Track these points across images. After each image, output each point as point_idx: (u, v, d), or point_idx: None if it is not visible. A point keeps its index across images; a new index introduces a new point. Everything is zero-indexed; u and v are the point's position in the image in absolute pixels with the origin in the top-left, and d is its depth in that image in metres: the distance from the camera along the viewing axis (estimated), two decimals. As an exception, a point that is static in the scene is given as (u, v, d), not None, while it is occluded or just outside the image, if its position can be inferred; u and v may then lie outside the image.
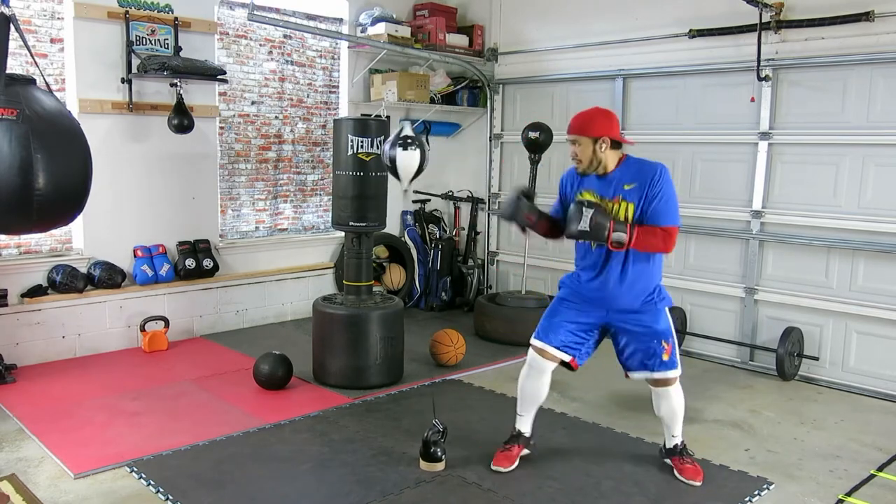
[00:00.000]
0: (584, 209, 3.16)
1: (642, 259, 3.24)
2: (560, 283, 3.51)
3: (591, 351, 3.48)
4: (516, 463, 3.47)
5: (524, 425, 3.53)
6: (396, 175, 4.13)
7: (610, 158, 3.24)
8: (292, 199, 6.28)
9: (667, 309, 3.35)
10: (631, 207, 3.19)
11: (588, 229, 3.13)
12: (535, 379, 3.46)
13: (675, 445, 3.49)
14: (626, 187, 3.21)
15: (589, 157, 3.23)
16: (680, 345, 5.56)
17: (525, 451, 3.54)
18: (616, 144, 3.25)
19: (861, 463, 3.68)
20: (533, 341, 3.45)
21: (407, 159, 3.97)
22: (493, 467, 3.43)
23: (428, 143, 4.34)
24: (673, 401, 3.42)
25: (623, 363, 3.44)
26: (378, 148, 4.51)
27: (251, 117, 5.90)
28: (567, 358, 3.41)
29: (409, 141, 4.05)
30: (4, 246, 4.80)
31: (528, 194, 3.41)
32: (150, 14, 5.11)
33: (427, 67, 6.65)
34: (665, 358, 3.30)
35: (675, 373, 3.36)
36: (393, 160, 4.07)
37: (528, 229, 3.45)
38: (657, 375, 3.35)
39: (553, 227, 3.44)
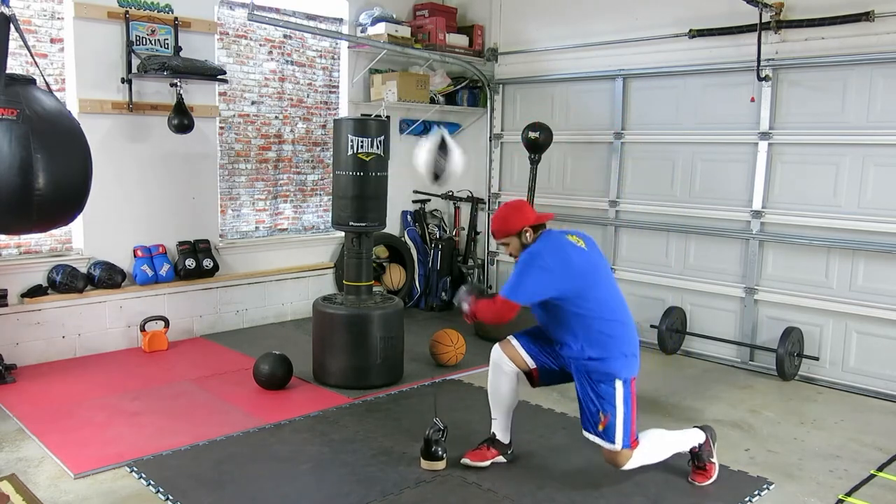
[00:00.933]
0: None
1: (560, 325, 3.26)
2: None
3: (554, 375, 3.42)
4: (487, 463, 3.48)
5: (497, 429, 3.53)
6: (437, 176, 4.01)
7: (532, 240, 3.33)
8: (292, 199, 6.28)
9: (619, 383, 3.17)
10: None
11: (455, 301, 3.47)
12: (496, 375, 3.47)
13: (690, 455, 3.45)
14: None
15: (518, 250, 3.32)
16: (680, 345, 5.58)
17: (500, 458, 3.52)
18: (536, 227, 3.34)
19: (861, 463, 3.68)
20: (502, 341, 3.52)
21: (456, 162, 3.95)
22: (462, 460, 3.47)
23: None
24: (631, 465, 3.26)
25: None
26: (378, 148, 4.51)
27: (251, 117, 5.90)
28: (531, 365, 3.41)
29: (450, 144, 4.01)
30: (4, 246, 4.80)
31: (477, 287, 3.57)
32: (150, 14, 5.11)
33: (427, 67, 6.65)
34: (600, 428, 3.19)
35: (611, 446, 3.18)
36: (443, 163, 3.98)
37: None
38: (594, 440, 3.24)
39: None
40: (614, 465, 3.24)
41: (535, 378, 3.45)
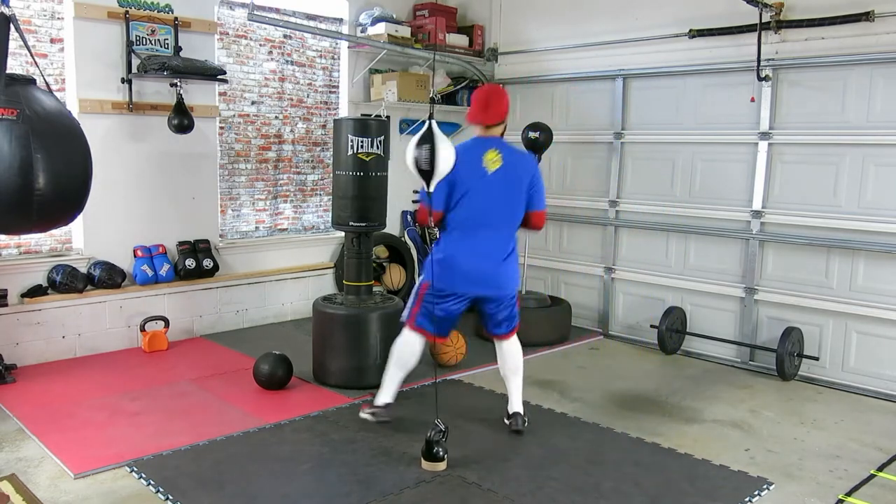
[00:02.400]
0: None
1: None
2: None
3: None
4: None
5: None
6: (430, 175, 3.91)
7: None
8: (292, 199, 6.28)
9: (420, 278, 4.01)
10: None
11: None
12: None
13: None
14: None
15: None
16: (680, 345, 5.58)
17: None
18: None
19: (861, 463, 3.68)
20: None
21: (445, 156, 3.84)
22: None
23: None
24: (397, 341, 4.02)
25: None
26: (378, 148, 4.51)
27: (251, 117, 5.90)
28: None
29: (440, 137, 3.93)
30: (4, 246, 4.80)
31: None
32: (150, 14, 5.11)
33: (427, 67, 6.65)
34: None
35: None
36: (431, 158, 3.88)
37: None
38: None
39: None
40: None
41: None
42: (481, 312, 3.89)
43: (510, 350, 3.92)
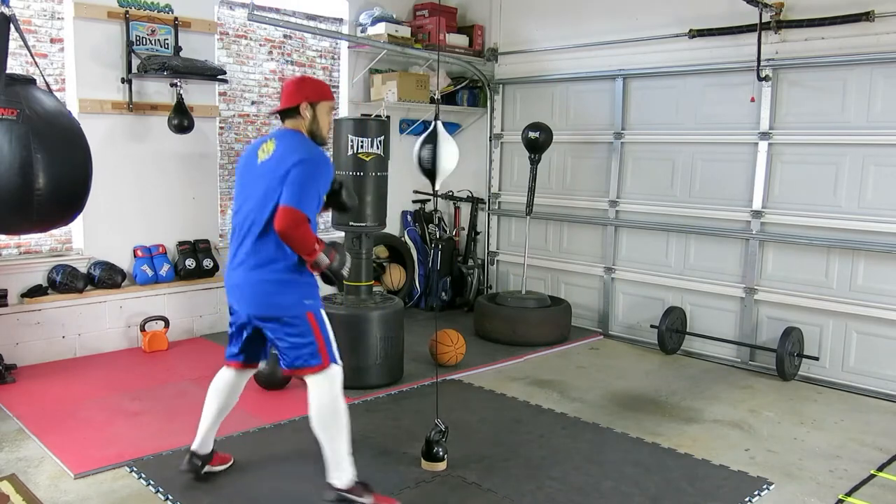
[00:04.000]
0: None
1: None
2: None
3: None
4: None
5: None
6: (433, 174, 3.90)
7: None
8: (292, 199, 6.26)
9: None
10: None
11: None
12: None
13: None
14: None
15: None
16: (680, 345, 5.58)
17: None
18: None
19: (861, 463, 3.68)
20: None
21: (448, 156, 3.82)
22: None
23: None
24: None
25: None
26: (378, 148, 4.51)
27: (251, 117, 5.90)
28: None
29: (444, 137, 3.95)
30: (4, 246, 4.80)
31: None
32: (150, 14, 5.11)
33: (427, 67, 6.65)
34: None
35: None
36: (431, 158, 3.85)
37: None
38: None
39: None
40: None
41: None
42: None
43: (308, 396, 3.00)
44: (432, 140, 3.66)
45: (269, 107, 5.98)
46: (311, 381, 2.98)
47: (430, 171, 3.72)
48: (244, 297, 3.02)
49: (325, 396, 2.96)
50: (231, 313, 3.17)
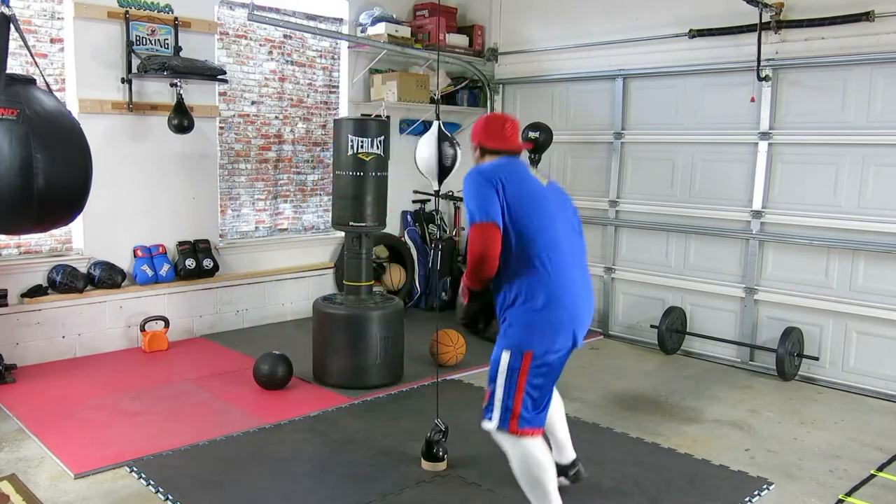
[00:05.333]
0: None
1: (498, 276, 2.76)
2: None
3: None
4: None
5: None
6: (440, 173, 3.91)
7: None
8: (292, 199, 6.28)
9: (506, 353, 2.68)
10: None
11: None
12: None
13: None
14: None
15: (475, 163, 3.03)
16: (680, 345, 5.57)
17: (562, 480, 3.17)
18: (493, 152, 3.01)
19: (861, 463, 3.68)
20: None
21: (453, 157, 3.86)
22: None
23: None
24: (512, 462, 2.77)
25: None
26: (378, 148, 4.51)
27: (251, 117, 5.90)
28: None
29: (449, 139, 4.01)
30: (4, 246, 4.80)
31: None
32: (150, 14, 5.11)
33: (427, 67, 6.65)
34: (483, 403, 2.76)
35: (488, 424, 2.73)
36: (454, 158, 3.88)
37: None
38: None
39: None
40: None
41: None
42: None
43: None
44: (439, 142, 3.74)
45: (268, 107, 5.98)
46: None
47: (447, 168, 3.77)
48: (590, 307, 2.81)
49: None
50: (553, 354, 2.69)
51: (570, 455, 3.24)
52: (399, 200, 6.59)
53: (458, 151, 4.13)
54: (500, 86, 6.77)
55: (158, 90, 5.23)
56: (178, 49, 5.22)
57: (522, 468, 2.74)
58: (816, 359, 4.92)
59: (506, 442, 2.74)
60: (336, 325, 4.52)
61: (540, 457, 2.72)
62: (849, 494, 3.34)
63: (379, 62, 6.37)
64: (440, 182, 4.06)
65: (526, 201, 2.74)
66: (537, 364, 2.66)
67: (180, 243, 5.49)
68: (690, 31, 5.33)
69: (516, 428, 2.67)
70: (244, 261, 5.89)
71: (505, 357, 2.68)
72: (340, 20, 6.34)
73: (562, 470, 3.21)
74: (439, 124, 4.00)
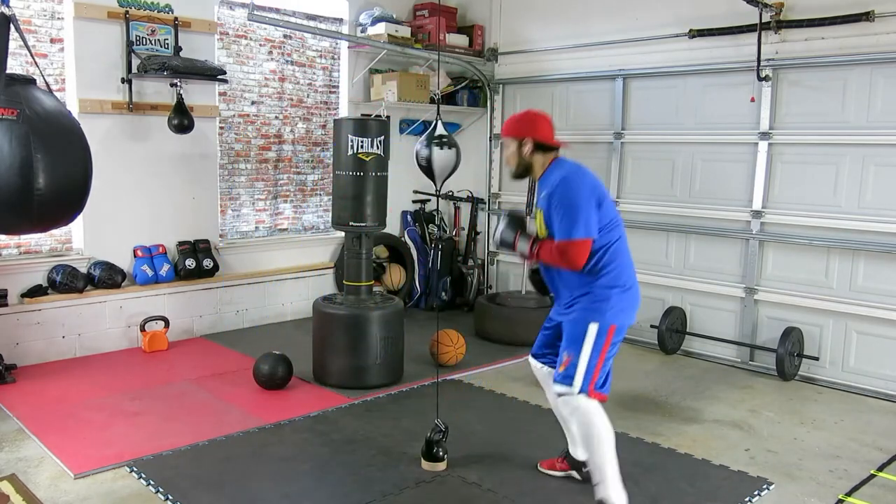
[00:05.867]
0: (500, 218, 3.19)
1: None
2: None
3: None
4: (557, 473, 3.41)
5: (570, 444, 3.40)
6: (431, 175, 3.96)
7: (537, 162, 3.09)
8: (292, 199, 6.28)
9: (594, 325, 2.96)
10: (541, 216, 3.04)
11: (498, 241, 3.21)
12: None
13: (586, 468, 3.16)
14: (542, 195, 3.06)
15: (513, 160, 3.12)
16: (680, 345, 5.58)
17: (573, 473, 3.38)
18: (544, 148, 3.09)
19: (861, 463, 3.68)
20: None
21: (444, 158, 3.87)
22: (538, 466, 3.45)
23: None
24: (577, 422, 3.08)
25: None
26: (378, 148, 4.51)
27: (251, 117, 5.90)
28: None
29: (445, 140, 4.00)
30: (4, 246, 4.80)
31: (520, 217, 3.21)
32: (150, 14, 5.11)
33: (427, 67, 6.65)
34: (560, 369, 3.02)
35: (561, 388, 3.01)
36: (428, 159, 3.93)
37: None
38: (552, 383, 3.11)
39: None
40: (562, 399, 3.04)
41: None
42: None
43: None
44: (436, 143, 3.73)
45: (268, 107, 5.98)
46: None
47: (428, 170, 3.77)
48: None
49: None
50: (625, 330, 3.07)
51: (583, 452, 3.31)
52: (399, 200, 6.59)
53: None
54: (500, 86, 6.77)
55: (158, 90, 5.23)
56: (178, 49, 5.22)
57: (592, 428, 3.00)
58: (816, 359, 4.92)
59: (577, 405, 3.00)
60: (336, 325, 4.52)
61: (605, 418, 3.02)
62: (849, 494, 3.34)
63: (379, 62, 6.37)
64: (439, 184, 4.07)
65: (606, 197, 3.04)
66: (617, 337, 3.02)
67: (180, 243, 5.49)
68: (690, 31, 5.33)
69: (594, 391, 2.99)
70: (244, 261, 5.89)
71: (593, 329, 2.97)
72: (340, 20, 6.34)
73: (576, 465, 3.35)
74: (442, 124, 3.99)
